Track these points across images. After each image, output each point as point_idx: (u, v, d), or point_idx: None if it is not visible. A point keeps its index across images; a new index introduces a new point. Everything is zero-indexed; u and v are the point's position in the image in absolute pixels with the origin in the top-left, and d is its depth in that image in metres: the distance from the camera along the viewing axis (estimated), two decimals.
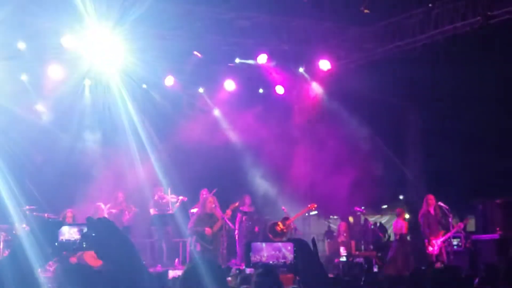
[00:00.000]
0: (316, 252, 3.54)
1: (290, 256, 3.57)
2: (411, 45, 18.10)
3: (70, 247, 3.24)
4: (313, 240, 3.76)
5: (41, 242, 3.08)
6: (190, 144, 19.18)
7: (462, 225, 16.22)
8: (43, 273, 13.05)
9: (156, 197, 17.38)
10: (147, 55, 18.37)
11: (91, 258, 14.49)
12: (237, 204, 16.74)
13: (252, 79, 20.13)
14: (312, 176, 20.81)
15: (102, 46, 17.31)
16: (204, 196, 17.05)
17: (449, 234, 15.97)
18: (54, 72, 17.71)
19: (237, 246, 17.54)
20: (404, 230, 16.94)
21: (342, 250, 17.01)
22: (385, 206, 22.22)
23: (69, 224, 3.21)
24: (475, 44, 17.02)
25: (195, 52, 18.26)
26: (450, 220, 16.19)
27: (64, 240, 3.22)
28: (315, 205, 18.46)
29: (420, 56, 18.17)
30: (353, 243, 17.64)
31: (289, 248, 3.59)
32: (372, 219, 20.84)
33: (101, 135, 18.99)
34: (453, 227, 16.22)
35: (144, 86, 19.53)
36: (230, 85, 19.62)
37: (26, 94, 18.50)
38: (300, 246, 3.50)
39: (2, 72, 17.74)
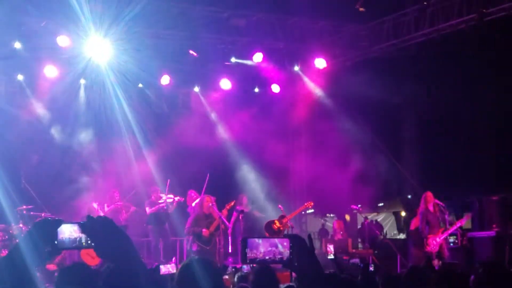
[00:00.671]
0: (312, 248, 3.56)
1: (286, 252, 3.58)
2: (406, 43, 18.15)
3: (70, 245, 3.18)
4: (309, 237, 3.77)
5: (40, 241, 3.08)
6: (186, 143, 19.17)
7: (463, 222, 16.16)
8: (42, 272, 13.07)
9: (153, 197, 17.38)
10: (142, 55, 18.37)
11: (87, 256, 14.52)
12: (233, 203, 16.73)
13: (248, 78, 20.14)
14: (309, 174, 20.85)
15: (98, 45, 17.31)
16: (193, 196, 17.08)
17: (449, 231, 15.94)
18: (50, 72, 17.71)
19: (230, 245, 17.51)
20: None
21: (331, 249, 16.98)
22: (381, 204, 22.25)
23: (69, 223, 3.16)
24: (471, 42, 17.05)
25: (191, 51, 18.25)
26: (446, 217, 16.20)
27: (64, 239, 3.15)
28: (312, 203, 18.46)
29: (416, 54, 18.22)
30: (349, 241, 17.65)
31: (285, 244, 3.59)
32: (368, 217, 20.88)
33: (97, 134, 18.97)
34: (450, 225, 16.23)
35: (140, 85, 19.52)
36: (226, 84, 19.62)
37: (22, 94, 18.49)
38: (297, 242, 3.53)
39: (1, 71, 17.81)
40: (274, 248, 3.61)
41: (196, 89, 20.19)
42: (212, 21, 18.10)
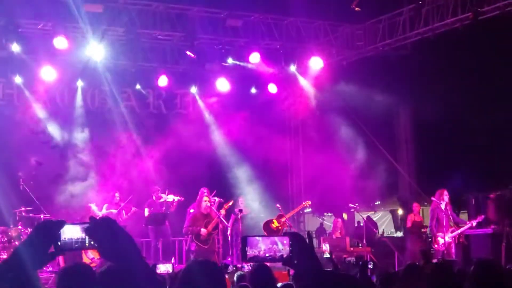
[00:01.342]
0: (312, 246, 3.60)
1: (286, 249, 3.56)
2: (401, 42, 18.25)
3: (73, 246, 3.13)
4: (309, 234, 3.83)
5: (42, 242, 3.05)
6: (184, 144, 19.23)
7: (475, 222, 16.11)
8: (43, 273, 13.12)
9: (153, 198, 17.46)
10: (139, 56, 18.47)
11: (86, 259, 14.58)
12: (231, 203, 16.79)
13: (245, 78, 20.20)
14: (307, 174, 20.92)
15: (95, 47, 17.38)
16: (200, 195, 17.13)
17: (459, 230, 15.95)
18: (47, 74, 17.74)
19: (230, 245, 17.58)
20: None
21: (327, 247, 17.02)
22: (378, 202, 22.33)
23: (72, 224, 3.12)
24: (466, 40, 17.13)
25: (188, 52, 18.32)
26: (453, 214, 16.24)
27: (66, 239, 3.11)
28: (310, 202, 18.55)
29: (411, 53, 18.31)
30: (347, 239, 17.73)
31: (285, 241, 3.59)
32: (365, 215, 20.92)
33: (95, 135, 19.00)
34: (460, 222, 16.25)
35: (138, 86, 19.58)
36: (223, 84, 19.67)
37: (19, 96, 18.53)
38: (296, 239, 3.53)
39: None
40: (274, 246, 3.64)
41: (194, 89, 20.24)
42: (209, 22, 18.21)
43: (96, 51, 17.44)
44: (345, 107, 19.64)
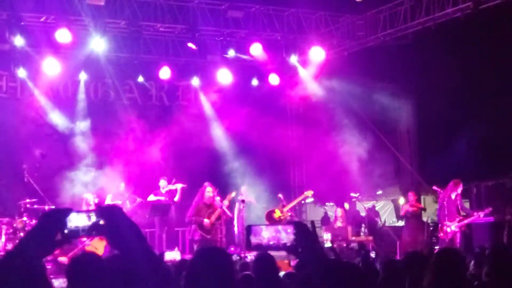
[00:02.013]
0: (315, 234, 3.66)
1: (290, 237, 3.59)
2: (403, 32, 18.28)
3: (79, 233, 3.15)
4: (312, 223, 3.88)
5: (49, 229, 3.08)
6: (186, 135, 19.34)
7: (482, 214, 16.16)
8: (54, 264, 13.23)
9: (159, 187, 17.56)
10: (142, 48, 18.56)
11: (92, 248, 14.68)
12: (233, 194, 16.87)
13: (246, 70, 20.27)
14: (308, 164, 20.99)
15: (97, 39, 17.45)
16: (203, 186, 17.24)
17: (466, 220, 16.01)
18: (50, 66, 17.80)
19: (235, 235, 17.72)
20: None
21: (328, 236, 17.11)
22: (380, 192, 22.40)
23: (77, 211, 3.14)
24: (467, 30, 17.17)
25: (190, 44, 18.39)
26: (463, 204, 16.29)
27: (73, 227, 3.13)
28: (311, 192, 18.63)
29: (412, 43, 18.35)
30: (349, 228, 17.81)
31: (289, 230, 3.60)
32: (367, 205, 21.01)
33: (98, 127, 19.08)
34: (466, 213, 16.31)
35: (140, 78, 19.66)
36: (224, 76, 19.71)
37: (23, 89, 18.62)
38: (301, 228, 3.58)
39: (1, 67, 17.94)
40: (277, 235, 3.68)
41: (196, 81, 20.30)
42: (210, 14, 18.27)
43: (99, 43, 17.51)
44: (346, 98, 19.68)
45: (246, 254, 15.13)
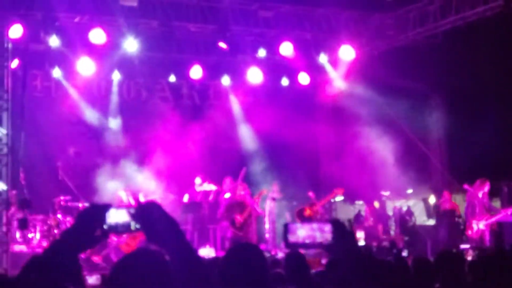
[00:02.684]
0: (353, 233, 3.69)
1: (327, 236, 3.58)
2: (432, 31, 18.24)
3: (118, 229, 3.21)
4: (350, 222, 3.95)
5: (89, 225, 3.15)
6: (217, 134, 19.54)
7: (510, 212, 16.17)
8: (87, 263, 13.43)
9: (195, 186, 17.76)
10: (173, 48, 18.74)
11: (127, 248, 14.91)
12: (265, 191, 17.02)
13: (276, 69, 20.36)
14: (338, 162, 21.01)
15: (130, 39, 17.65)
16: (228, 183, 17.42)
17: (493, 218, 16.02)
18: (84, 66, 18.03)
19: (266, 232, 17.86)
20: None
21: (362, 235, 17.17)
22: (410, 191, 22.32)
23: (117, 207, 3.19)
24: (497, 29, 17.09)
25: (221, 44, 18.53)
26: (490, 203, 16.30)
27: (112, 223, 3.18)
28: (342, 190, 18.67)
29: (442, 42, 18.30)
30: (380, 227, 17.84)
31: (326, 228, 3.59)
32: (397, 203, 20.99)
33: (131, 126, 19.32)
34: (494, 211, 16.32)
35: (172, 78, 19.84)
36: (255, 75, 19.82)
37: (57, 88, 18.92)
38: (338, 226, 3.58)
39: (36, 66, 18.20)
40: (314, 233, 3.73)
41: (226, 81, 20.44)
42: (241, 14, 18.37)
43: (131, 43, 17.71)
44: (376, 96, 19.67)
45: (278, 252, 15.28)
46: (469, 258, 13.60)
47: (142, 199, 16.77)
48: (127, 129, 19.21)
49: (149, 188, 17.48)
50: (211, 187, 17.83)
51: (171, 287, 3.09)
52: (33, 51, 17.14)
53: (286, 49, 18.93)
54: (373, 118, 19.77)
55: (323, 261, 12.16)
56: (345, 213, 23.13)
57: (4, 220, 15.40)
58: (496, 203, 18.27)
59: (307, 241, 3.72)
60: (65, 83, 18.72)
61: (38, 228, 15.97)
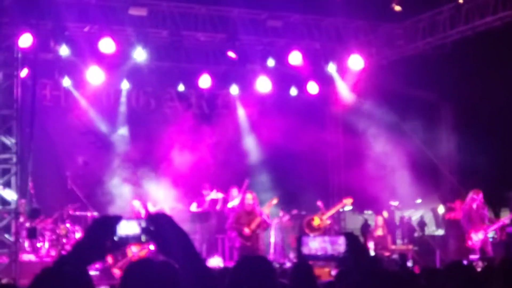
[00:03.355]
0: (366, 245, 3.70)
1: (339, 248, 3.63)
2: (442, 41, 18.20)
3: (129, 241, 3.20)
4: (363, 234, 3.95)
5: (100, 236, 3.14)
6: (226, 143, 19.54)
7: (507, 220, 16.19)
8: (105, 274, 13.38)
9: (202, 195, 17.75)
10: (182, 57, 18.77)
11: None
12: (274, 201, 16.99)
13: (285, 79, 20.33)
14: (347, 171, 20.97)
15: (139, 48, 17.66)
16: (233, 193, 17.42)
17: (492, 227, 16.01)
18: (93, 75, 18.06)
19: (275, 242, 17.80)
20: None
21: (371, 245, 17.11)
22: (419, 201, 22.27)
23: (127, 219, 3.18)
24: (507, 39, 17.05)
25: (229, 53, 18.55)
26: (485, 212, 16.30)
27: (123, 235, 3.17)
28: (351, 200, 18.63)
29: (452, 52, 18.26)
30: (389, 237, 17.77)
31: (339, 241, 3.68)
32: (406, 213, 20.93)
33: (140, 136, 19.31)
34: (490, 220, 16.32)
35: (181, 87, 19.84)
36: (264, 84, 19.80)
37: (66, 97, 18.96)
38: (352, 239, 3.62)
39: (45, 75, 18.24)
40: (327, 245, 3.74)
41: (235, 90, 20.43)
42: (250, 23, 18.40)
43: (141, 53, 17.72)
44: (385, 106, 19.63)
45: (285, 262, 15.24)
46: (479, 269, 13.51)
47: (150, 208, 16.75)
48: (135, 138, 19.21)
49: (157, 197, 17.47)
50: (219, 195, 17.83)
51: None
52: (43, 60, 17.17)
53: (295, 58, 18.93)
54: (382, 128, 19.72)
55: (333, 272, 12.11)
56: (354, 222, 23.09)
57: (13, 229, 15.38)
58: (506, 212, 18.23)
59: (319, 253, 3.78)
60: (74, 92, 18.75)
61: (46, 237, 15.98)
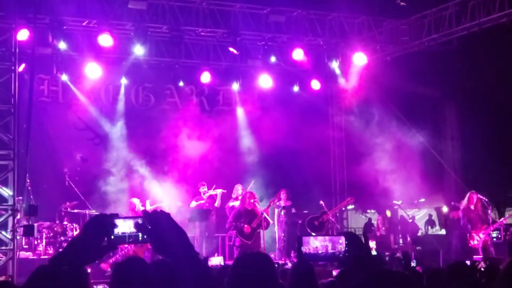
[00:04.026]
0: (368, 246, 3.60)
1: (340, 248, 3.58)
2: (447, 37, 18.02)
3: (126, 240, 3.16)
4: (365, 235, 3.82)
5: (96, 235, 3.09)
6: (226, 140, 19.37)
7: (505, 221, 16.15)
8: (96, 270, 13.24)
9: (200, 193, 17.60)
10: (183, 53, 18.58)
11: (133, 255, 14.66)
12: (276, 200, 16.82)
13: (287, 74, 20.17)
14: (350, 170, 20.80)
15: (138, 44, 17.47)
16: (241, 191, 17.22)
17: (493, 227, 15.92)
18: (92, 71, 17.89)
19: (277, 241, 17.63)
20: None
21: (373, 244, 16.97)
22: (422, 200, 22.11)
23: (124, 218, 3.14)
24: None
25: (231, 49, 18.35)
26: (489, 212, 16.18)
27: (119, 233, 3.13)
28: (353, 199, 18.51)
29: (457, 48, 18.08)
30: (391, 237, 17.62)
31: (340, 241, 3.59)
32: (409, 212, 20.77)
33: (139, 132, 19.13)
34: (492, 220, 16.21)
35: (181, 83, 19.64)
36: (265, 81, 19.63)
37: (64, 93, 18.74)
38: (353, 239, 3.54)
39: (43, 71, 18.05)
40: (328, 245, 3.65)
41: (236, 86, 20.23)
42: (252, 19, 18.21)
43: (140, 48, 17.53)
44: (389, 103, 19.47)
45: (286, 261, 15.04)
46: (482, 269, 13.36)
47: (148, 206, 16.60)
48: (134, 135, 19.02)
49: (156, 195, 17.33)
50: (217, 191, 17.65)
51: None
52: (40, 55, 16.95)
53: (298, 54, 18.74)
54: (385, 125, 19.56)
55: (334, 272, 11.88)
56: (356, 221, 22.96)
57: (10, 226, 15.24)
58: (510, 212, 18.06)
59: (320, 252, 3.80)
60: (72, 88, 18.53)
61: (44, 235, 15.80)
